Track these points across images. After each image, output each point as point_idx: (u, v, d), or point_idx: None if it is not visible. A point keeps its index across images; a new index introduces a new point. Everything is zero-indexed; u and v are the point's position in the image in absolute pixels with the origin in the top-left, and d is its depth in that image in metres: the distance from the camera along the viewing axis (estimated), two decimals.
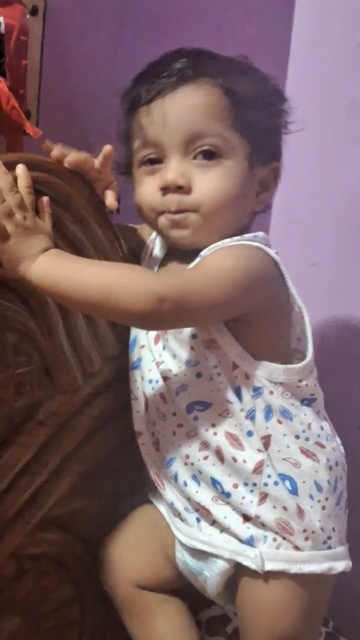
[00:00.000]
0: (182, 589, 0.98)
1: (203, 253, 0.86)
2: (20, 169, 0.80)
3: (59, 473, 0.92)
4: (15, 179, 0.80)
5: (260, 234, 0.90)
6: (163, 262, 0.95)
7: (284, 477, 0.86)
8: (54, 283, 0.78)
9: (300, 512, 0.85)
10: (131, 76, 0.91)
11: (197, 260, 0.86)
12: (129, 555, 0.96)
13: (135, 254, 0.98)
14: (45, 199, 0.82)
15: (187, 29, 1.15)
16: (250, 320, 0.85)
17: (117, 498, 1.00)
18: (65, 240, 0.86)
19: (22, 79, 0.89)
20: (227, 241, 0.87)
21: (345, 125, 1.23)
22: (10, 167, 0.80)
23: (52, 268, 0.78)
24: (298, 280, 0.92)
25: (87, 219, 0.87)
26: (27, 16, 0.91)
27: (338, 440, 0.93)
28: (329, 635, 1.22)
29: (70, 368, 0.90)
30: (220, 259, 0.83)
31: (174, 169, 0.86)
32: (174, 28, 1.14)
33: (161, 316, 0.77)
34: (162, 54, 0.89)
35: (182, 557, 0.94)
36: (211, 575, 0.90)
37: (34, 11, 0.94)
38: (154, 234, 0.98)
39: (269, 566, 0.85)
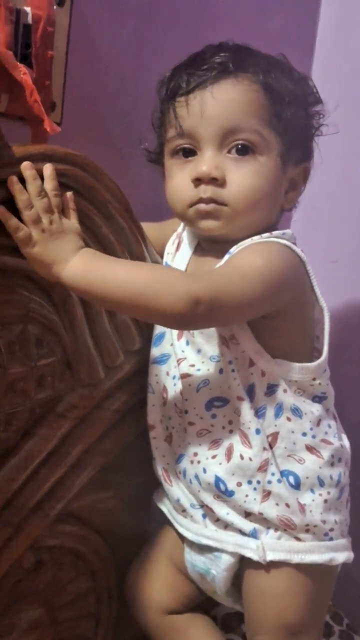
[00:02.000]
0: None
1: (232, 250, 0.86)
2: (47, 170, 0.80)
3: (79, 466, 0.92)
4: (41, 177, 0.80)
5: (289, 231, 0.90)
6: (192, 258, 0.95)
7: (287, 473, 0.87)
8: (88, 285, 0.78)
9: (302, 508, 0.87)
10: (156, 67, 0.91)
11: (227, 257, 0.86)
12: (148, 584, 0.98)
13: (158, 250, 0.98)
14: (69, 194, 0.82)
15: (211, 22, 1.14)
16: (277, 317, 0.85)
17: (135, 491, 1.00)
18: (90, 233, 0.86)
19: (48, 70, 0.89)
20: (256, 238, 0.87)
21: None
22: (35, 159, 0.80)
23: (86, 269, 0.78)
24: (319, 276, 0.92)
25: (112, 212, 0.87)
26: (54, 7, 0.91)
27: (345, 438, 0.94)
28: (342, 633, 1.22)
29: (91, 361, 0.90)
30: (251, 257, 0.83)
31: (208, 161, 0.86)
32: (199, 20, 1.13)
33: (196, 317, 0.77)
34: (200, 46, 0.89)
35: (191, 558, 0.95)
36: (218, 572, 0.91)
37: (60, 2, 0.94)
38: (181, 228, 0.98)
39: (271, 556, 0.87)
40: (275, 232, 0.88)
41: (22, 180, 0.79)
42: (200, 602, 1.00)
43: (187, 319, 0.78)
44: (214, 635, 0.99)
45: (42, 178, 0.80)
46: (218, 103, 0.85)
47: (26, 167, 0.79)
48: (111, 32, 1.04)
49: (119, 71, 1.06)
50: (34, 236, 0.78)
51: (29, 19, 0.86)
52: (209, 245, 0.93)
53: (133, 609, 1.00)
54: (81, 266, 0.78)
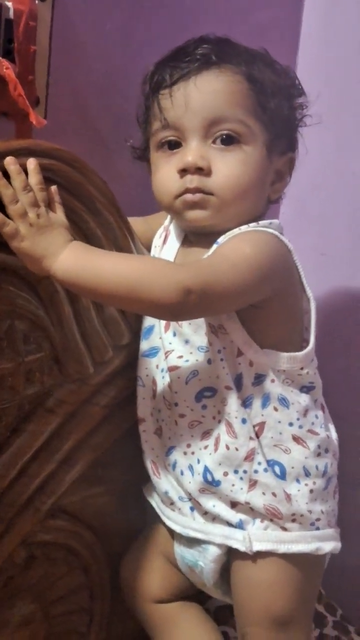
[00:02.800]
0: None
1: (220, 240, 0.87)
2: (31, 164, 0.80)
3: (69, 461, 0.92)
4: (25, 172, 0.79)
5: (276, 221, 0.90)
6: (179, 250, 0.95)
7: (273, 462, 0.88)
8: (79, 278, 0.78)
9: (288, 497, 0.87)
10: (142, 61, 0.91)
11: (215, 247, 0.87)
12: (140, 575, 0.99)
13: (144, 244, 0.98)
14: (53, 188, 0.82)
15: (197, 16, 1.14)
16: (265, 306, 0.85)
17: (126, 486, 1.00)
18: (76, 228, 0.86)
19: (31, 65, 0.88)
20: (244, 227, 0.87)
21: (357, 114, 1.22)
22: (19, 154, 0.80)
23: (76, 263, 0.78)
24: (307, 269, 0.92)
25: (98, 207, 0.87)
26: (36, 1, 0.91)
27: (332, 428, 0.94)
28: (336, 624, 1.23)
29: (80, 357, 0.90)
30: (239, 246, 0.84)
31: (193, 151, 0.86)
32: (184, 15, 1.13)
33: (187, 307, 0.77)
34: (185, 40, 0.89)
35: (180, 551, 0.95)
36: (205, 564, 0.91)
37: None
38: (167, 221, 0.98)
39: (257, 547, 0.87)
40: (262, 222, 0.88)
41: (7, 175, 0.79)
42: (192, 594, 1.00)
43: (178, 309, 0.78)
44: (204, 622, 1.00)
45: (26, 173, 0.80)
46: (202, 94, 0.86)
47: (10, 162, 0.78)
48: (95, 26, 1.03)
49: (103, 65, 1.05)
50: (22, 231, 0.78)
51: (11, 14, 0.86)
52: (196, 238, 0.93)
53: (126, 599, 1.01)
54: (71, 260, 0.78)
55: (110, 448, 0.97)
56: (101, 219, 0.88)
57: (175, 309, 0.78)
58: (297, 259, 0.90)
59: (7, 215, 0.78)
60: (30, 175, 0.80)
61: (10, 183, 0.78)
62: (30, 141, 0.82)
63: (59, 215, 0.82)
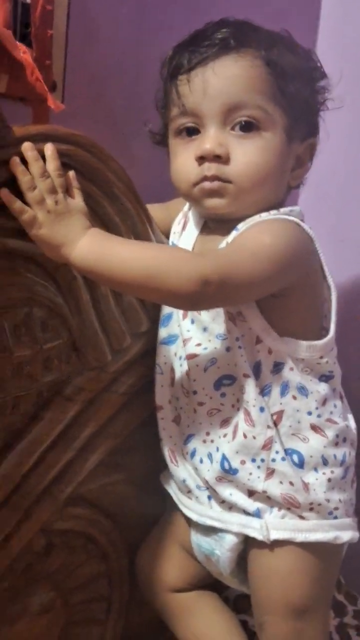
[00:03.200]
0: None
1: (240, 227, 0.86)
2: (49, 150, 0.79)
3: (87, 449, 0.92)
4: (43, 158, 0.79)
5: (297, 208, 0.89)
6: (198, 237, 0.94)
7: (291, 451, 0.87)
8: (97, 266, 0.77)
9: (306, 487, 0.86)
10: (158, 44, 0.90)
11: (234, 233, 0.86)
12: (157, 564, 0.99)
13: (163, 230, 0.97)
14: (71, 173, 0.81)
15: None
16: (285, 295, 0.84)
17: (145, 474, 0.99)
18: (94, 214, 0.85)
19: (48, 49, 0.88)
20: (265, 215, 0.86)
21: None
22: (36, 140, 0.79)
23: (95, 250, 0.77)
24: (326, 256, 0.91)
25: (116, 193, 0.86)
26: None
27: (351, 418, 0.93)
28: (357, 613, 1.22)
29: (98, 344, 0.89)
30: (259, 235, 0.83)
31: (211, 139, 0.85)
32: None
33: (206, 297, 0.77)
34: (201, 24, 0.88)
35: (196, 540, 0.95)
36: (222, 552, 0.91)
37: None
38: (187, 207, 0.97)
39: (275, 535, 0.86)
40: (283, 209, 0.87)
41: (24, 162, 0.78)
42: (209, 583, 1.00)
43: (196, 298, 0.77)
44: (221, 611, 1.00)
45: (43, 159, 0.79)
46: (220, 79, 0.84)
47: (27, 148, 0.78)
48: (111, 10, 1.02)
49: (119, 49, 1.04)
50: (40, 218, 0.77)
51: None
52: (216, 224, 0.92)
53: (143, 589, 1.01)
54: (90, 247, 0.77)
55: (129, 435, 0.96)
56: (119, 205, 0.87)
57: (193, 299, 0.77)
58: (318, 245, 0.89)
59: (25, 202, 0.78)
60: (47, 161, 0.79)
61: (27, 169, 0.78)
62: (48, 126, 0.82)
63: (78, 201, 0.81)
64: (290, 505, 0.87)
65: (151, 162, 0.97)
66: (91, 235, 0.78)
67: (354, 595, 1.24)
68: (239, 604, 1.11)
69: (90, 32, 1.01)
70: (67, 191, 0.80)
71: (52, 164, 0.79)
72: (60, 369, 0.87)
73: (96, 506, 0.96)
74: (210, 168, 0.85)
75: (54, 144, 0.80)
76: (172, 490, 0.97)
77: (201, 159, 0.85)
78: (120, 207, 0.87)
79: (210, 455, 0.89)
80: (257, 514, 0.88)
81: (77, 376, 0.89)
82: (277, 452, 0.86)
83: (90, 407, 0.91)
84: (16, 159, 0.77)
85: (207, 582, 1.00)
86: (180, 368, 0.91)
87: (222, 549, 0.91)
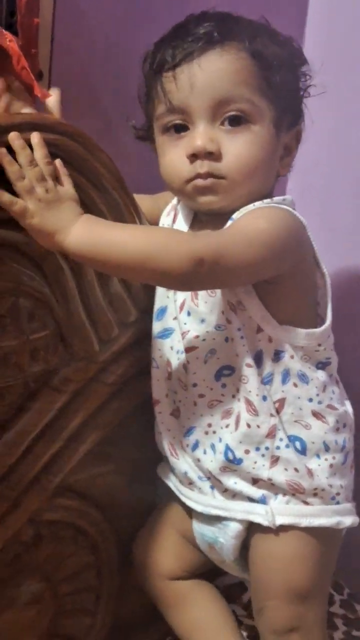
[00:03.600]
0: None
1: (235, 216, 0.86)
2: (35, 138, 0.78)
3: (76, 439, 0.92)
4: (30, 145, 0.78)
5: (289, 197, 0.90)
6: (190, 229, 0.94)
7: (294, 438, 0.88)
8: (92, 251, 0.77)
9: (310, 472, 0.87)
10: (145, 34, 0.89)
11: (229, 224, 0.86)
12: (154, 551, 0.99)
13: (151, 222, 0.97)
14: (58, 161, 0.80)
15: None
16: (281, 282, 0.85)
17: (135, 464, 1.00)
18: (82, 205, 0.84)
19: (34, 38, 0.87)
20: (258, 203, 0.86)
21: None
22: (23, 129, 0.78)
23: (89, 236, 0.77)
24: (315, 245, 0.91)
25: (104, 184, 0.86)
26: None
27: (348, 403, 0.94)
28: (344, 603, 1.23)
29: (85, 334, 0.89)
30: (254, 220, 0.83)
31: (202, 135, 0.85)
32: None
33: (199, 277, 0.78)
34: (186, 16, 0.87)
35: (199, 529, 0.95)
36: (226, 540, 0.92)
37: None
38: (175, 200, 0.97)
39: (280, 520, 0.87)
40: (276, 198, 0.88)
41: (11, 151, 0.77)
42: (204, 571, 1.01)
43: (190, 278, 0.78)
44: (216, 600, 1.00)
45: (31, 148, 0.78)
46: (207, 74, 0.84)
47: (13, 138, 0.77)
48: None
49: (107, 38, 1.04)
50: (31, 207, 0.77)
51: None
52: (208, 217, 0.92)
53: (139, 576, 1.01)
54: (84, 233, 0.77)
55: (119, 426, 0.96)
56: (107, 195, 0.86)
57: (187, 278, 0.78)
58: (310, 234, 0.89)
59: (14, 194, 0.77)
60: (35, 149, 0.78)
61: (15, 159, 0.77)
62: (34, 114, 0.81)
63: (68, 188, 0.80)
64: (295, 492, 0.87)
65: (139, 152, 0.97)
66: (84, 221, 0.78)
67: (341, 585, 1.24)
68: (229, 594, 1.12)
69: (77, 21, 1.00)
70: (57, 179, 0.80)
71: (39, 152, 0.78)
72: (47, 359, 0.87)
73: (85, 497, 0.96)
74: (203, 165, 0.85)
75: (41, 133, 0.79)
76: (172, 482, 0.97)
77: (193, 157, 0.85)
78: (108, 198, 0.86)
79: (213, 446, 0.90)
80: (263, 500, 0.88)
81: (65, 367, 0.89)
82: (281, 440, 0.87)
83: (78, 397, 0.91)
84: (2, 150, 0.77)
85: (203, 570, 1.00)
86: (178, 362, 0.91)
87: (226, 536, 0.92)
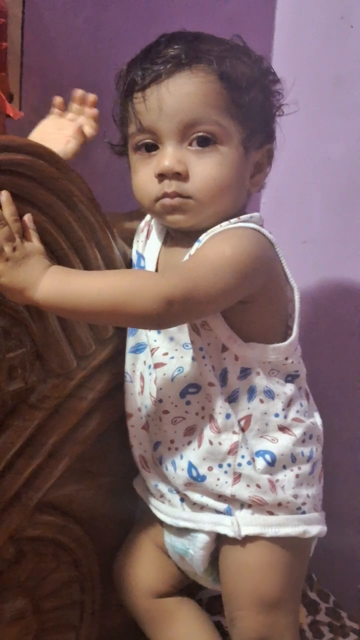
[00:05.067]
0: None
1: (202, 238, 0.87)
2: (3, 196, 0.80)
3: (55, 455, 0.92)
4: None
5: (256, 214, 0.90)
6: (162, 248, 0.95)
7: (263, 452, 0.89)
8: (61, 303, 0.79)
9: (273, 487, 0.88)
10: (115, 54, 0.91)
11: (197, 245, 0.87)
12: (135, 569, 0.99)
13: (125, 238, 0.98)
14: (27, 216, 0.82)
15: (168, 7, 1.13)
16: (250, 301, 0.86)
17: (115, 479, 1.00)
18: (53, 224, 0.86)
19: (3, 61, 0.88)
20: (225, 224, 0.87)
21: (331, 100, 1.23)
22: None
23: (56, 288, 0.78)
24: (288, 257, 0.93)
25: (76, 202, 0.87)
26: None
27: (317, 415, 0.95)
28: (329, 611, 1.23)
29: (62, 351, 0.90)
30: (219, 247, 0.84)
31: (170, 156, 0.86)
32: (156, 6, 1.13)
33: (171, 317, 0.79)
34: (157, 37, 0.88)
35: (170, 541, 0.96)
36: (195, 551, 0.92)
37: None
38: (149, 216, 0.98)
39: (245, 531, 0.88)
40: (242, 217, 0.88)
41: None
42: (187, 584, 1.01)
43: (162, 319, 0.79)
44: (201, 618, 1.01)
45: None
46: (175, 97, 0.85)
47: None
48: (66, 21, 1.03)
49: (75, 59, 1.05)
50: None
51: None
52: (178, 234, 0.93)
53: (121, 595, 1.01)
54: (51, 286, 0.78)
55: (98, 441, 0.97)
56: (79, 214, 0.87)
57: (160, 320, 0.79)
58: (280, 249, 0.90)
59: None
60: (3, 207, 0.80)
61: None
62: (5, 137, 0.82)
63: (35, 242, 0.82)
64: (258, 505, 0.88)
65: (110, 170, 0.98)
66: (51, 273, 0.79)
67: (326, 593, 1.25)
68: (212, 606, 1.12)
69: (46, 43, 1.01)
70: (24, 234, 0.81)
71: (7, 210, 0.80)
72: (24, 377, 0.88)
73: (66, 513, 0.96)
74: (171, 185, 0.86)
75: (11, 154, 0.80)
76: (145, 495, 0.98)
77: (161, 176, 0.87)
78: (80, 216, 0.88)
79: (174, 463, 0.91)
80: (228, 512, 0.89)
81: (42, 384, 0.89)
82: (242, 457, 0.88)
83: (56, 414, 0.91)
84: None
85: (185, 583, 1.01)
86: (149, 377, 0.92)
87: (195, 548, 0.92)
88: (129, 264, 0.97)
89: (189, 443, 0.90)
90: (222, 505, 0.89)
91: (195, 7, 1.16)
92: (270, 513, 0.89)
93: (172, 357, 0.89)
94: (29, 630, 0.96)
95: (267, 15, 1.28)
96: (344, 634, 1.19)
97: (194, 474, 0.89)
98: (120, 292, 0.78)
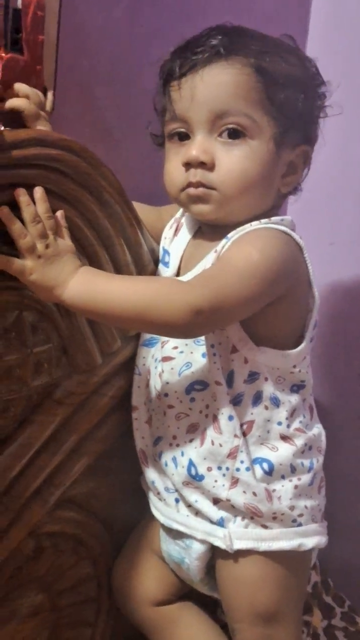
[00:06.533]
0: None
1: (230, 235, 0.86)
2: (38, 192, 0.80)
3: (77, 452, 0.93)
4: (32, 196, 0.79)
5: (288, 218, 0.90)
6: (190, 241, 0.95)
7: (261, 460, 0.88)
8: (88, 304, 0.79)
9: (270, 496, 0.87)
10: (149, 50, 0.91)
11: (224, 242, 0.86)
12: (136, 578, 0.98)
13: (154, 235, 0.98)
14: (59, 213, 0.82)
15: (203, 3, 1.13)
16: (271, 304, 0.84)
17: (135, 477, 1.00)
18: (83, 219, 0.86)
19: (39, 55, 0.88)
20: (255, 223, 0.87)
21: None
22: (27, 145, 0.79)
23: (84, 290, 0.79)
24: (316, 259, 0.92)
25: (106, 198, 0.86)
26: None
27: (320, 426, 0.94)
28: (344, 615, 1.23)
29: (88, 348, 0.90)
30: (247, 251, 0.82)
31: (197, 145, 0.86)
32: (191, 2, 1.12)
33: (199, 325, 0.79)
34: (192, 28, 0.88)
35: (166, 548, 0.95)
36: (190, 561, 0.92)
37: None
38: (179, 213, 0.98)
39: (238, 545, 0.87)
40: (274, 218, 0.88)
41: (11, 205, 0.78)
42: (186, 592, 1.00)
43: (190, 329, 0.79)
44: (203, 620, 1.00)
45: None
46: (207, 87, 0.85)
47: (20, 193, 0.78)
48: (102, 16, 1.03)
49: (111, 54, 1.05)
50: (30, 265, 0.78)
51: (19, 3, 0.85)
52: (209, 229, 0.93)
53: (121, 604, 1.00)
54: (81, 286, 0.79)
55: (118, 439, 0.96)
56: (109, 210, 0.87)
57: (187, 329, 0.79)
58: (307, 254, 0.89)
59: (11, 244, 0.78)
60: (37, 204, 0.80)
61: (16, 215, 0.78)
62: (39, 131, 0.82)
63: (66, 240, 0.82)
64: (253, 515, 0.87)
65: (142, 167, 0.98)
66: (81, 274, 0.79)
67: (341, 597, 1.24)
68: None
69: (82, 38, 1.01)
70: (57, 231, 0.81)
71: (41, 207, 0.80)
72: (50, 372, 0.88)
73: (86, 509, 0.97)
74: (196, 174, 0.86)
75: (45, 148, 0.80)
76: (147, 490, 0.98)
77: (187, 165, 0.86)
78: (110, 212, 0.87)
79: (174, 459, 0.90)
80: (221, 523, 0.88)
81: (67, 380, 0.89)
82: (242, 462, 0.87)
83: (80, 410, 0.92)
84: (5, 209, 0.77)
85: (185, 590, 0.99)
86: (155, 370, 0.91)
87: (190, 557, 0.92)
88: (156, 261, 0.97)
89: (191, 441, 0.89)
90: (216, 515, 0.88)
91: (230, 3, 1.15)
92: (264, 526, 0.87)
93: (182, 352, 0.89)
94: (45, 626, 0.96)
95: (302, 17, 1.27)
96: (359, 638, 1.18)
97: (193, 472, 0.88)
98: (148, 299, 0.78)
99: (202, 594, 1.00)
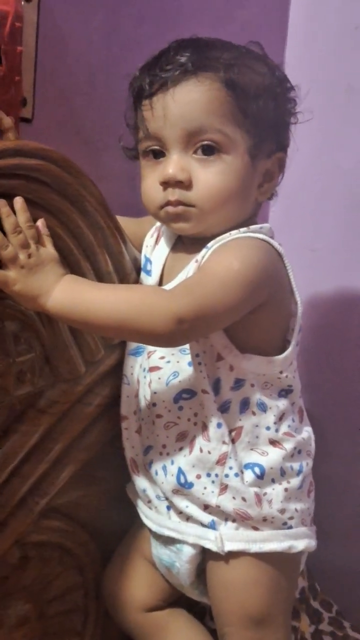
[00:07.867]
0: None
1: (210, 245, 0.87)
2: (18, 203, 0.80)
3: (62, 461, 0.93)
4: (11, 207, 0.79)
5: (267, 225, 0.90)
6: (170, 253, 0.95)
7: (252, 465, 0.88)
8: (71, 313, 0.79)
9: (259, 501, 0.87)
10: (127, 60, 0.91)
11: (204, 251, 0.87)
12: (126, 584, 0.98)
13: (135, 244, 0.98)
14: (40, 222, 0.82)
15: (182, 13, 1.14)
16: (252, 312, 0.85)
17: (120, 485, 1.00)
18: (65, 229, 0.86)
19: (18, 65, 0.88)
20: (234, 233, 0.87)
21: (343, 110, 1.23)
22: (6, 155, 0.79)
23: (68, 298, 0.79)
24: (298, 265, 0.93)
25: (87, 208, 0.87)
26: (22, 2, 0.91)
27: (309, 430, 0.94)
28: (332, 620, 1.23)
29: (71, 357, 0.90)
30: (228, 260, 0.83)
31: (173, 164, 0.86)
32: (169, 12, 1.13)
33: (182, 334, 0.79)
34: (169, 43, 0.88)
35: (157, 552, 0.95)
36: (181, 565, 0.92)
37: None
38: (159, 222, 0.98)
39: (229, 547, 0.87)
40: (252, 227, 0.88)
41: None
42: (177, 597, 1.00)
43: (173, 337, 0.80)
44: (193, 627, 1.00)
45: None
46: (179, 105, 0.85)
47: (0, 204, 0.79)
48: (80, 26, 1.03)
49: (89, 65, 1.05)
50: (13, 275, 0.79)
51: None
52: (188, 240, 0.93)
53: (112, 610, 1.00)
54: (63, 295, 0.79)
55: (103, 448, 0.97)
56: (91, 219, 0.88)
57: (170, 338, 0.80)
58: (287, 260, 0.90)
59: None
60: (18, 214, 0.80)
61: None
62: (18, 141, 0.82)
63: (49, 248, 0.82)
64: (243, 519, 0.87)
65: (122, 176, 0.98)
66: (65, 282, 0.80)
67: (329, 602, 1.25)
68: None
69: (60, 49, 1.02)
70: (39, 240, 0.81)
71: (22, 217, 0.80)
72: (33, 381, 0.88)
73: (71, 518, 0.97)
74: (174, 193, 0.86)
75: (25, 158, 0.81)
76: (135, 499, 0.98)
77: (165, 184, 0.87)
78: (92, 222, 0.88)
79: (164, 468, 0.90)
80: (212, 526, 0.88)
81: (50, 389, 0.90)
82: (230, 468, 0.87)
83: (64, 419, 0.92)
84: None
85: (175, 597, 0.99)
86: (144, 380, 0.91)
87: (180, 560, 0.92)
88: (139, 270, 0.97)
89: (181, 449, 0.89)
90: (207, 518, 0.88)
91: (208, 13, 1.16)
92: (255, 528, 0.88)
93: (169, 362, 0.89)
94: (33, 635, 0.96)
95: (280, 25, 1.29)
96: None
97: (182, 480, 0.88)
98: (130, 308, 0.79)
99: (190, 602, 1.00)
